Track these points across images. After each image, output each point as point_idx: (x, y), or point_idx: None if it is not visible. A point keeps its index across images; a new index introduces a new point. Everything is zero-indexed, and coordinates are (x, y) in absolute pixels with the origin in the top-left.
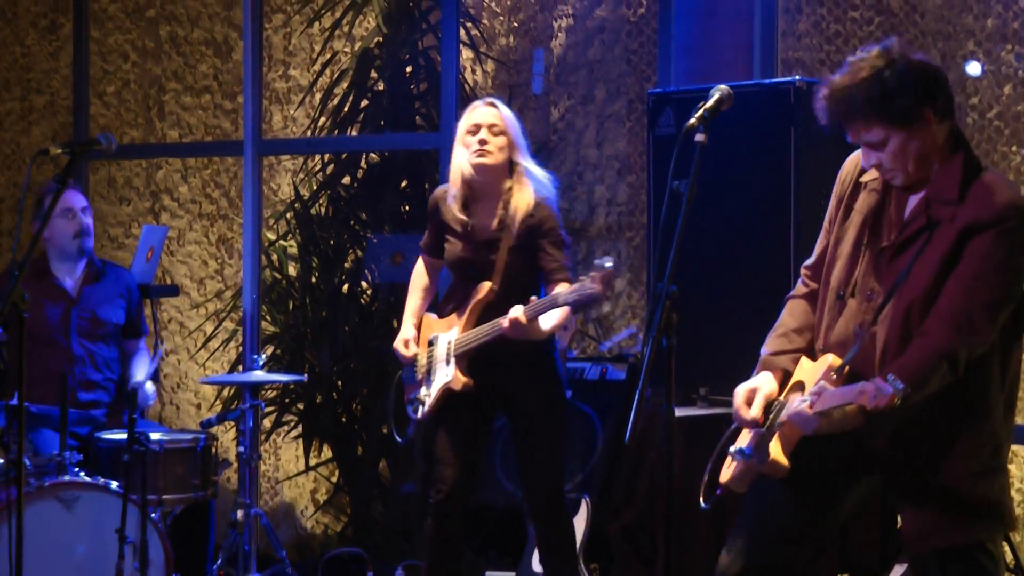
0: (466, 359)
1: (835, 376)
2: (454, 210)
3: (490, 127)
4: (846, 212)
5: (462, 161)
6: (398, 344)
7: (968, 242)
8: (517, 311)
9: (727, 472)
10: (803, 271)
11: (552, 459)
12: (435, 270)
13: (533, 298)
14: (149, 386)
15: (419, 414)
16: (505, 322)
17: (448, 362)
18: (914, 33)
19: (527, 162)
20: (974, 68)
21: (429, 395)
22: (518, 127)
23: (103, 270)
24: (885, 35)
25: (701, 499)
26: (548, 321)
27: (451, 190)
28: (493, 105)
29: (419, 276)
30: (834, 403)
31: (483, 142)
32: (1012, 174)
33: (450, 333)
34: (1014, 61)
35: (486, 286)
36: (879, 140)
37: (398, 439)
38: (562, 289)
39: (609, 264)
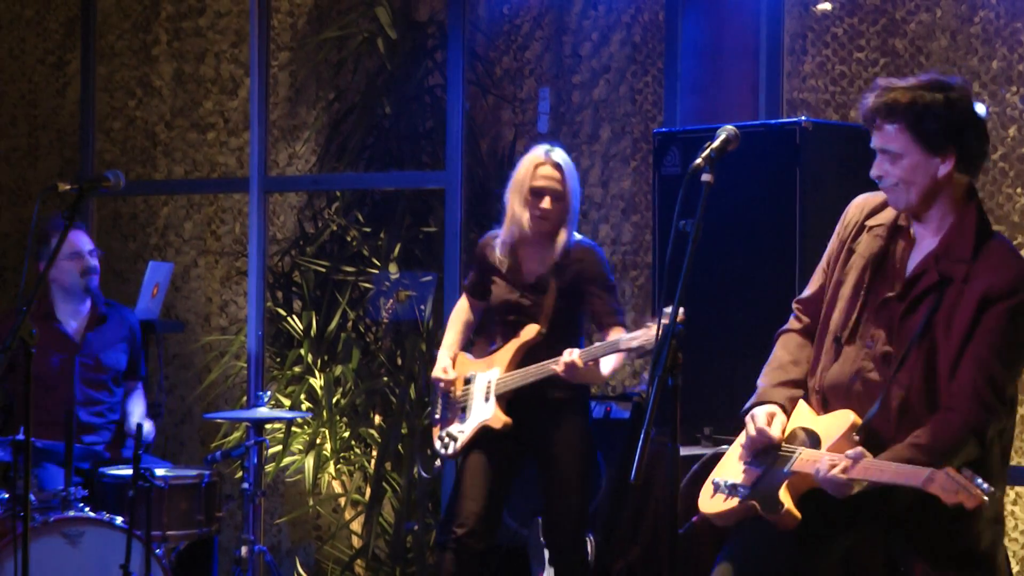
0: (506, 399)
1: (856, 436)
2: (500, 254)
3: (553, 194)
4: (848, 254)
5: (520, 215)
6: (438, 372)
7: (983, 313)
8: (573, 354)
9: (710, 503)
10: (796, 305)
11: (579, 504)
12: (476, 310)
13: (607, 339)
14: (147, 426)
15: (450, 450)
16: (559, 365)
17: (487, 400)
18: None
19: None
20: (979, 110)
21: (463, 431)
22: (576, 187)
23: (107, 314)
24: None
25: None
26: (608, 365)
27: (503, 236)
28: (559, 168)
29: (460, 312)
30: (885, 479)
31: (546, 211)
32: (1016, 215)
33: (490, 373)
34: (1019, 103)
35: (533, 328)
36: (897, 151)
37: (424, 474)
38: (620, 335)
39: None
